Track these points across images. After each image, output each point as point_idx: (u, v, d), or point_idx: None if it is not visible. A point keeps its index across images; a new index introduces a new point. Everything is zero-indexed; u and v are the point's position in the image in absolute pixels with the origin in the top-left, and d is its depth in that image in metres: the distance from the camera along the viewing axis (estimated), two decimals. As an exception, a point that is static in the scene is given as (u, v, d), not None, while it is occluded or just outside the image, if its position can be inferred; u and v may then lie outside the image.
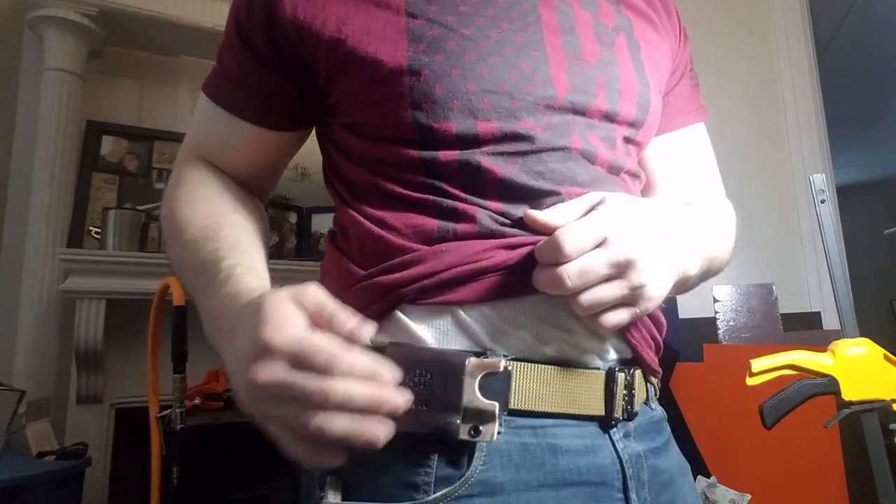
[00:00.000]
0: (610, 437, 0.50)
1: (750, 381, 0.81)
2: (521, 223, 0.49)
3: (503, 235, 0.49)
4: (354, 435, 0.37)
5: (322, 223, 2.45)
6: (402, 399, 0.38)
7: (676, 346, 1.78)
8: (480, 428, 0.44)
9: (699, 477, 1.48)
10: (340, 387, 0.37)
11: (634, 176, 0.59)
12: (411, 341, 0.47)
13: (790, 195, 2.29)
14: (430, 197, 0.50)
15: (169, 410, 1.46)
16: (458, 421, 0.43)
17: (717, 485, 1.44)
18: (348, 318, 0.40)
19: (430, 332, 0.48)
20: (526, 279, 0.47)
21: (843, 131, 4.03)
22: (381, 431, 0.37)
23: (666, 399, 1.72)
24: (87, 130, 2.13)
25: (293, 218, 2.46)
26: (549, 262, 0.45)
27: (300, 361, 0.37)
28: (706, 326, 1.79)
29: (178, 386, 1.48)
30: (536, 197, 0.50)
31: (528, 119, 0.51)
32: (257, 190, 0.67)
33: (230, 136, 0.62)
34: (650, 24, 0.63)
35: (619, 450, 0.50)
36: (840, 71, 3.44)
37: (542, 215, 0.47)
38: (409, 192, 0.51)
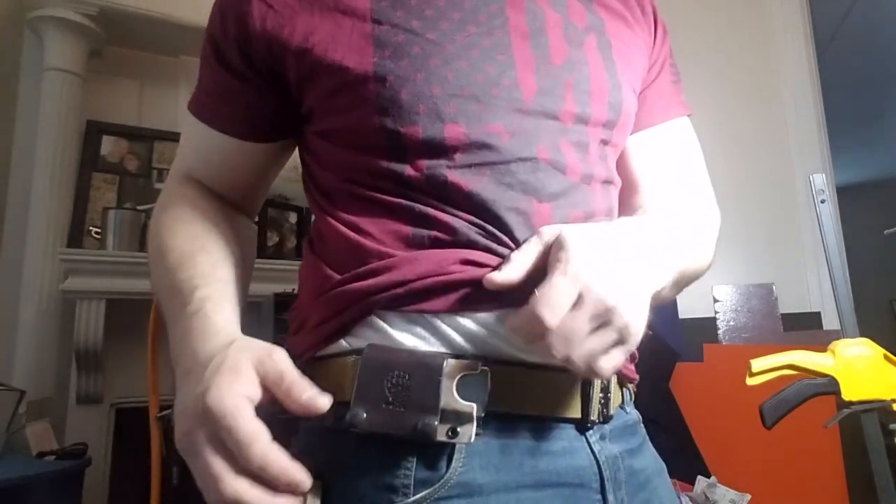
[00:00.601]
0: (586, 438, 0.50)
1: (750, 381, 0.81)
2: (493, 235, 0.49)
3: (476, 245, 0.49)
4: None
5: (322, 223, 2.45)
6: None
7: (676, 346, 1.78)
8: (458, 429, 0.43)
9: (699, 477, 1.48)
10: (234, 489, 0.39)
11: (608, 182, 0.58)
12: (389, 344, 0.47)
13: (790, 195, 2.30)
14: (403, 202, 0.50)
15: (169, 410, 1.46)
16: (436, 422, 0.43)
17: (717, 485, 1.44)
18: (306, 389, 0.41)
19: (407, 336, 0.48)
20: (498, 293, 0.46)
21: (843, 131, 4.03)
22: None
23: (666, 399, 1.72)
24: (87, 130, 2.13)
25: (293, 218, 2.46)
26: (536, 334, 0.43)
27: (221, 438, 0.39)
28: (706, 326, 1.80)
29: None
30: (506, 209, 0.50)
31: (496, 122, 0.51)
32: (245, 205, 0.67)
33: (215, 152, 0.62)
34: (623, 21, 0.63)
35: (596, 451, 0.50)
36: (840, 71, 3.44)
37: (502, 276, 0.45)
38: (382, 197, 0.51)
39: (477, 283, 0.47)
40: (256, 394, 0.41)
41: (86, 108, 2.09)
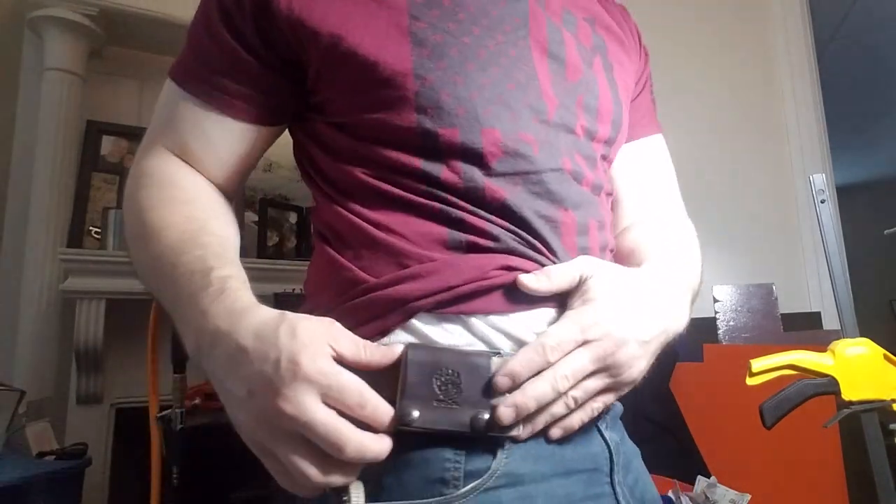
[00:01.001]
0: (597, 427, 0.53)
1: (750, 381, 0.81)
2: (527, 241, 0.51)
3: (514, 251, 0.51)
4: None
5: (322, 223, 2.45)
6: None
7: (676, 346, 1.77)
8: None
9: (699, 477, 1.48)
10: (357, 440, 0.40)
11: (609, 194, 0.62)
12: (428, 344, 0.48)
13: (790, 195, 2.30)
14: (437, 205, 0.51)
15: (169, 410, 1.46)
16: (488, 417, 0.45)
17: (717, 485, 1.44)
18: (376, 345, 0.44)
19: (445, 335, 0.48)
20: (535, 297, 0.50)
21: (843, 131, 4.03)
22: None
23: (666, 399, 1.72)
24: (87, 130, 2.13)
25: (293, 218, 2.46)
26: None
27: (330, 398, 0.40)
28: (706, 326, 1.79)
29: (178, 386, 1.48)
30: (537, 216, 0.52)
31: (526, 132, 0.53)
32: (226, 189, 0.62)
33: (208, 131, 0.58)
34: (621, 45, 0.66)
35: (607, 438, 0.53)
36: (840, 71, 3.44)
37: (535, 284, 0.49)
38: (411, 197, 0.51)
39: (513, 286, 0.49)
40: (333, 353, 0.42)
41: (86, 108, 2.09)
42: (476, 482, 0.45)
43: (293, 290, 2.05)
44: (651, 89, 0.75)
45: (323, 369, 0.40)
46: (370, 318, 0.49)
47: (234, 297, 0.45)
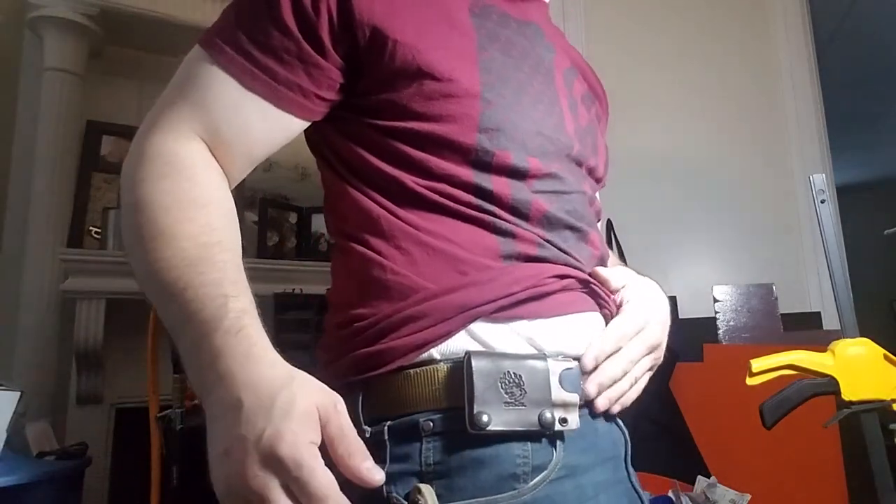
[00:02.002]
0: (615, 418, 0.59)
1: (750, 381, 0.81)
2: (565, 251, 0.58)
3: (558, 260, 0.56)
4: None
5: (322, 223, 2.44)
6: None
7: (676, 346, 1.77)
8: (567, 417, 0.50)
9: (699, 477, 1.48)
10: None
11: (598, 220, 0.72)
12: (482, 348, 0.51)
13: (790, 195, 2.30)
14: (487, 217, 0.54)
15: (169, 410, 1.46)
16: (551, 414, 0.49)
17: (717, 485, 1.44)
18: (366, 457, 0.41)
19: (500, 339, 0.52)
20: (579, 303, 0.57)
21: (843, 131, 4.03)
22: None
23: (666, 399, 1.72)
24: (87, 130, 2.13)
25: (293, 218, 2.46)
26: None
27: (293, 487, 0.38)
28: (706, 326, 1.79)
29: (178, 386, 1.48)
30: (568, 228, 0.59)
31: (559, 164, 0.60)
32: (233, 180, 0.58)
33: (249, 120, 0.54)
34: (601, 103, 0.76)
35: (622, 428, 0.60)
36: (840, 71, 3.44)
37: (605, 274, 0.61)
38: (464, 209, 0.54)
39: (563, 294, 0.56)
40: (319, 441, 0.40)
41: (86, 108, 2.09)
42: (542, 475, 0.49)
43: (293, 289, 2.05)
44: None
45: (298, 459, 0.38)
46: (433, 323, 0.50)
47: (249, 342, 0.43)
